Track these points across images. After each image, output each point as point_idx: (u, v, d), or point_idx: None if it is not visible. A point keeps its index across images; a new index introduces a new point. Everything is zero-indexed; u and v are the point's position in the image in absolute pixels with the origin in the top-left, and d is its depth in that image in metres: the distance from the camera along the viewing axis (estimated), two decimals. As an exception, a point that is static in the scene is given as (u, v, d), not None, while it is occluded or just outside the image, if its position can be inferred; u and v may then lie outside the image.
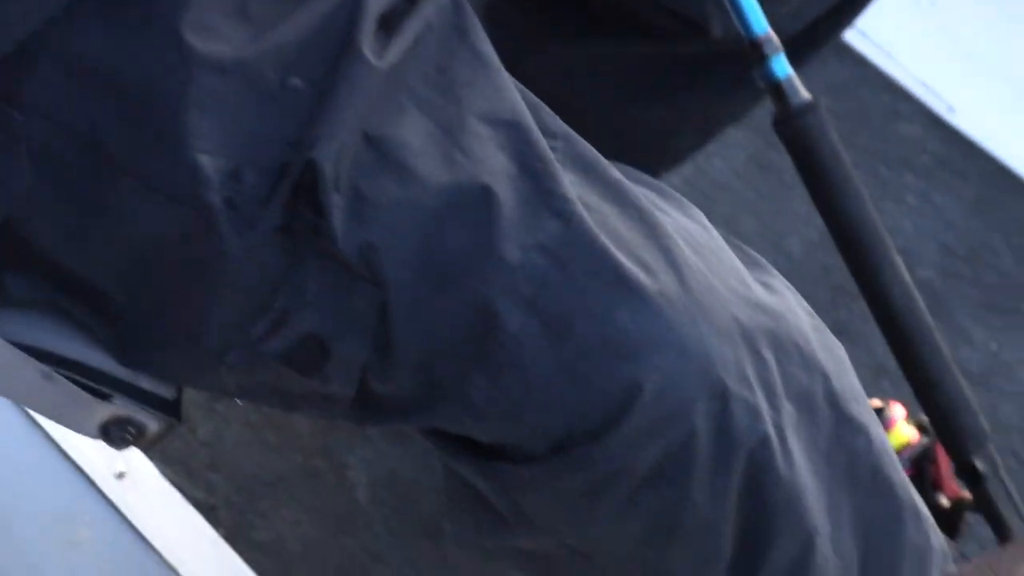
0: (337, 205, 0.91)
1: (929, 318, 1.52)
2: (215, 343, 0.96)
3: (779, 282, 1.07)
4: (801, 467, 1.03)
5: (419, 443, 1.64)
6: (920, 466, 1.58)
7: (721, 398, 0.98)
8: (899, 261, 1.50)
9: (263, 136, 0.91)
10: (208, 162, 0.90)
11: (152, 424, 1.03)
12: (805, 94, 1.29)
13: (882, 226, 1.48)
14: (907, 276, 1.50)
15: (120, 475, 1.57)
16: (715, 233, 1.06)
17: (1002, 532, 1.56)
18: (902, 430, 1.57)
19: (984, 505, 1.57)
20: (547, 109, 1.01)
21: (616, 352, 0.95)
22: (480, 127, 0.96)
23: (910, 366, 1.55)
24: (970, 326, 2.04)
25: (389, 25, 0.96)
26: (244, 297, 0.94)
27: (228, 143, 0.91)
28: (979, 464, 1.55)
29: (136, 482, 1.58)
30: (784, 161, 1.42)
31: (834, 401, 1.05)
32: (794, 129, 1.48)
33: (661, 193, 1.06)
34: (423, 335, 0.94)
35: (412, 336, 0.94)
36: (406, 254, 0.93)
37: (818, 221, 1.43)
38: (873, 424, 1.09)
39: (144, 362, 1.00)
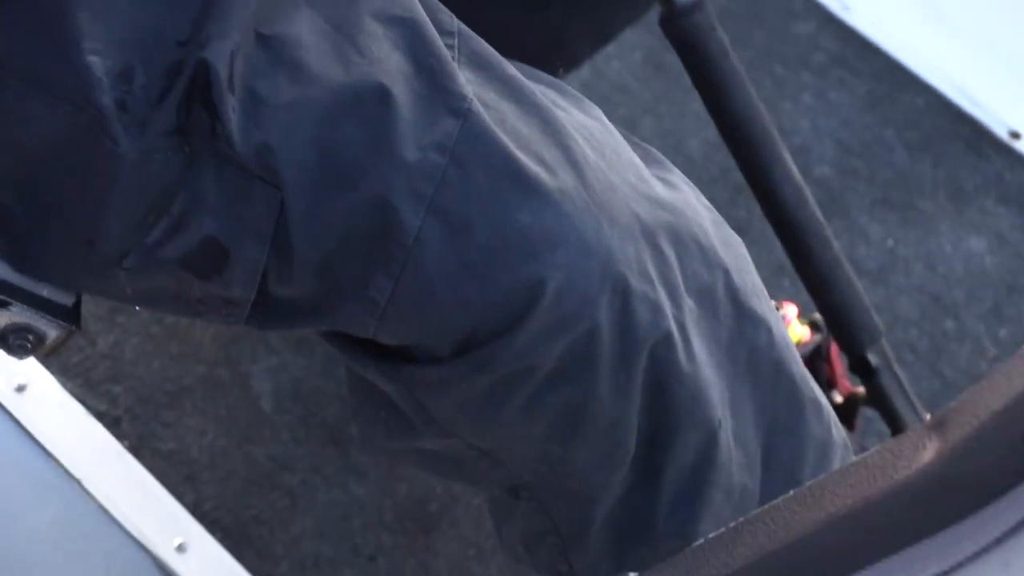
0: (231, 106, 0.90)
1: (820, 215, 1.53)
2: (111, 249, 0.94)
3: (678, 178, 1.08)
4: (703, 362, 1.04)
5: (323, 351, 1.64)
6: (813, 364, 1.61)
7: (623, 294, 0.98)
8: (789, 159, 1.51)
9: (153, 36, 0.90)
10: (97, 63, 0.88)
11: (51, 331, 1.01)
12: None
13: (771, 124, 1.49)
14: (797, 174, 1.51)
15: (20, 388, 1.55)
16: (614, 130, 1.06)
17: (896, 424, 1.59)
18: (795, 329, 1.59)
19: (878, 399, 1.59)
20: (442, 7, 1.00)
21: (517, 250, 0.95)
22: (374, 25, 0.95)
23: (803, 264, 1.56)
24: (867, 223, 2.06)
25: None
26: (140, 202, 0.92)
27: (117, 43, 0.89)
28: (872, 359, 1.58)
29: (37, 395, 1.56)
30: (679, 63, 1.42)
31: (735, 296, 1.06)
32: (680, 28, 1.48)
33: (559, 90, 1.05)
34: (322, 236, 0.94)
35: (311, 237, 0.93)
36: (303, 154, 0.92)
37: (717, 121, 1.43)
38: (774, 319, 1.10)
39: (41, 269, 0.99)
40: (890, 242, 2.05)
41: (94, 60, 0.89)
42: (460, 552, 1.54)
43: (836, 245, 1.54)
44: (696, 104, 1.43)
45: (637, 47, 2.02)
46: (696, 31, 1.43)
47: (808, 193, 1.53)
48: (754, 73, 2.09)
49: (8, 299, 1.00)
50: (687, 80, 1.42)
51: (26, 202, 0.94)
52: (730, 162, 1.41)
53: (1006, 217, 2.10)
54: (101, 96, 0.89)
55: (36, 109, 0.90)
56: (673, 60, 1.41)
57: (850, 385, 1.62)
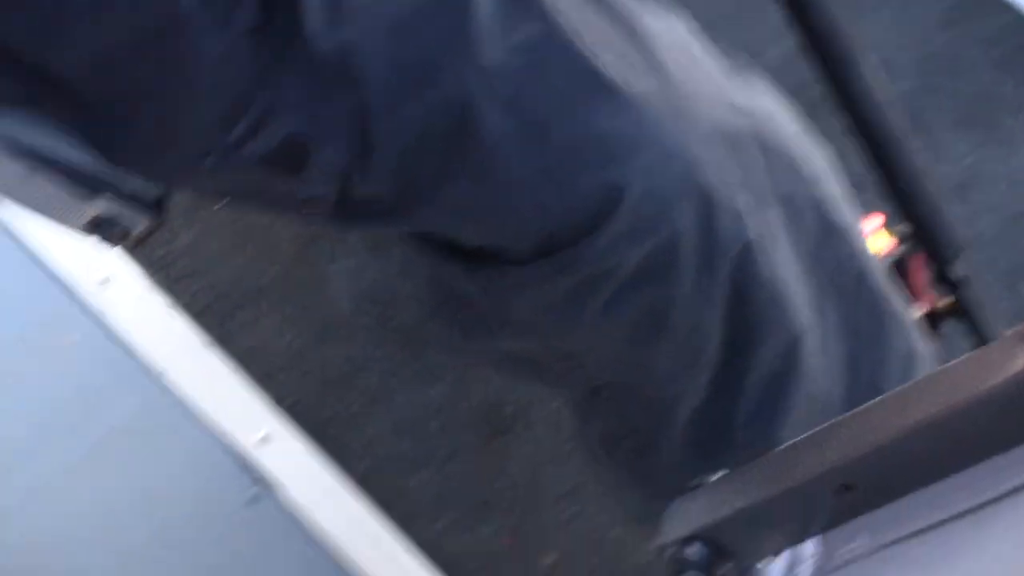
0: (313, 5, 0.90)
1: (905, 128, 1.51)
2: (194, 145, 0.95)
3: (762, 88, 1.07)
4: (787, 270, 1.03)
5: (400, 253, 1.64)
6: (897, 275, 1.59)
7: (706, 201, 0.98)
8: (874, 71, 1.50)
9: None
10: None
11: (138, 223, 1.02)
12: None
13: (856, 36, 1.47)
14: (883, 86, 1.49)
15: (104, 282, 1.57)
16: (697, 38, 1.05)
17: (980, 336, 1.57)
18: (880, 239, 1.57)
19: (963, 311, 1.58)
20: None
21: (596, 155, 0.94)
22: None
23: (888, 174, 1.55)
24: (948, 140, 2.04)
25: None
26: (221, 100, 0.93)
27: None
28: (957, 271, 1.56)
29: (119, 289, 1.58)
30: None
31: (819, 206, 1.05)
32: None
33: (643, -2, 1.04)
34: (401, 136, 0.94)
35: (391, 137, 0.94)
36: (383, 54, 0.91)
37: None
38: (858, 230, 1.09)
39: (127, 162, 1.00)
40: (971, 160, 2.03)
41: None
42: (535, 454, 1.55)
43: (922, 159, 1.53)
44: (775, 14, 1.42)
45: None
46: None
47: (893, 106, 1.51)
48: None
49: (98, 189, 1.01)
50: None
51: (115, 96, 0.95)
52: (809, 75, 1.40)
53: (1091, 136, 2.08)
54: None
55: (120, 9, 0.90)
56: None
57: (933, 298, 1.60)
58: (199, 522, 1.48)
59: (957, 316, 1.56)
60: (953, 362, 0.77)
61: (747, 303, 1.02)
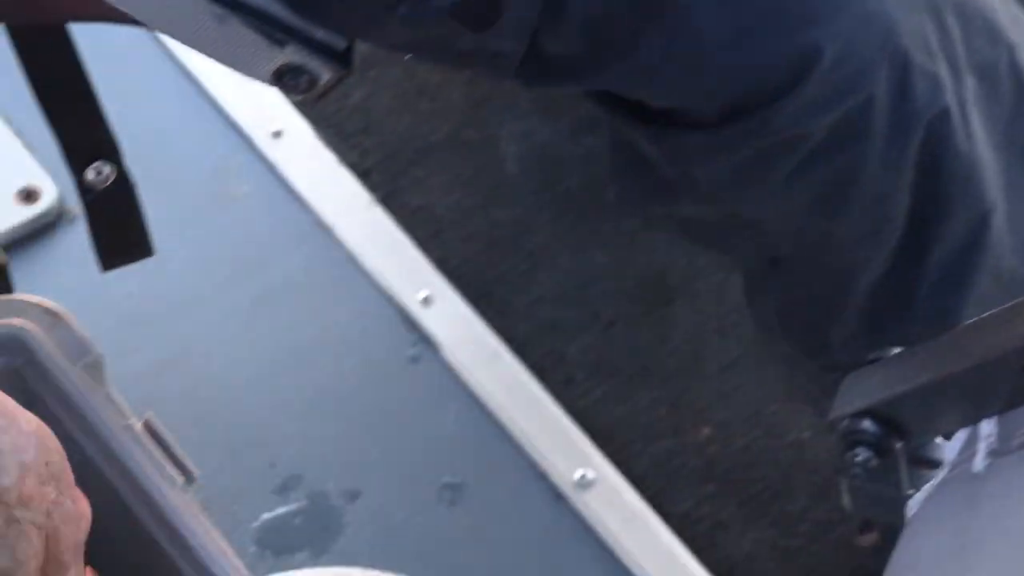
0: None
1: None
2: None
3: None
4: (980, 141, 1.01)
5: (570, 118, 1.63)
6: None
7: (902, 66, 0.96)
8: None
9: None
10: None
11: (324, 73, 1.02)
12: None
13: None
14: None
15: (277, 133, 1.58)
16: None
17: None
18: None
19: None
20: None
21: (794, 15, 0.93)
22: None
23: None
24: None
25: None
26: None
27: None
28: None
29: (292, 142, 1.59)
30: None
31: (1018, 76, 1.03)
32: None
33: None
34: None
35: None
36: None
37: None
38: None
39: (318, 11, 1.00)
40: None
41: None
42: (699, 324, 1.55)
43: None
44: None
45: None
46: None
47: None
48: None
49: (285, 38, 1.01)
50: None
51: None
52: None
53: None
54: None
55: None
56: None
57: None
58: (361, 376, 1.49)
59: None
60: None
61: (937, 174, 1.01)
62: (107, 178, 1.15)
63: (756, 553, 1.46)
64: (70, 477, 0.75)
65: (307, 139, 1.60)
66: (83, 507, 0.76)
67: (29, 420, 0.71)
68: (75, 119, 1.05)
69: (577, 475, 1.44)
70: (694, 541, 1.44)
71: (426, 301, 1.51)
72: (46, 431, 0.73)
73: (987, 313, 0.82)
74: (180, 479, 0.93)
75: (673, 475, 1.49)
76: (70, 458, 0.93)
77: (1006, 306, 0.81)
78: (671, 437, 1.52)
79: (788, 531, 1.47)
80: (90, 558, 0.99)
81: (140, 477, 0.92)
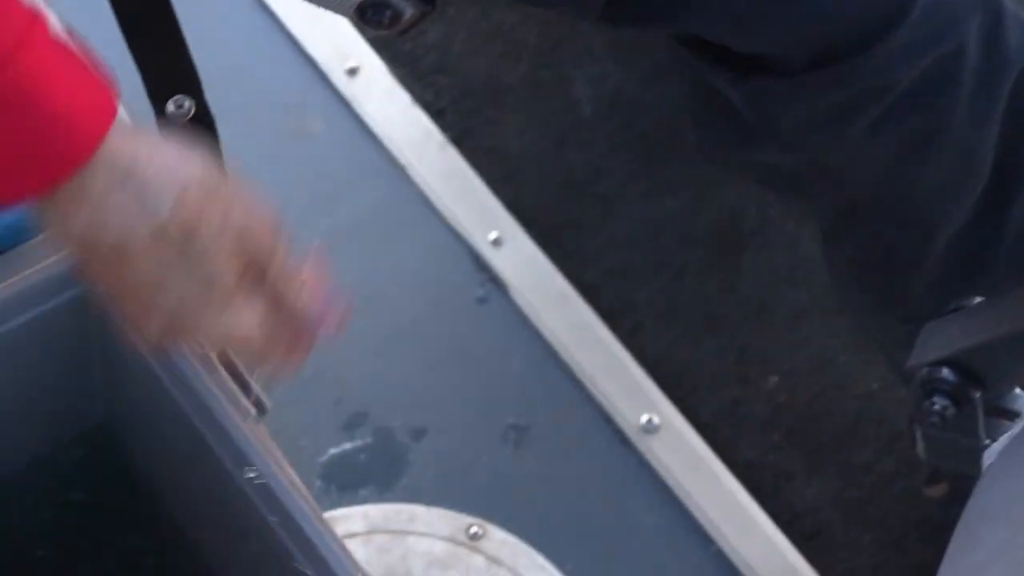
0: None
1: None
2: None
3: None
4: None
5: (645, 64, 1.63)
6: None
7: (995, 14, 0.95)
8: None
9: None
10: None
11: (408, 9, 1.02)
12: None
13: None
14: None
15: (352, 71, 1.58)
16: None
17: None
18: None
19: None
20: None
21: None
22: None
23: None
24: None
25: None
26: None
27: None
28: None
29: (368, 80, 1.59)
30: None
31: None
32: None
33: None
34: None
35: None
36: None
37: None
38: None
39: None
40: None
41: None
42: (770, 274, 1.54)
43: None
44: None
45: None
46: None
47: None
48: None
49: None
50: None
51: None
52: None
53: None
54: None
55: None
56: None
57: None
58: (429, 316, 1.50)
59: None
60: None
61: None
62: (188, 112, 1.15)
63: (820, 503, 1.45)
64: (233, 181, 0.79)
65: (382, 77, 1.60)
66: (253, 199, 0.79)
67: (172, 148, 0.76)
68: (158, 51, 1.05)
69: (643, 420, 1.44)
70: (758, 490, 1.44)
71: (496, 242, 1.51)
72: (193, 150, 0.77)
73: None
74: (253, 411, 0.94)
75: (739, 423, 1.49)
76: (146, 387, 0.95)
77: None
78: (738, 385, 1.52)
79: (853, 482, 1.46)
80: (168, 479, 1.01)
81: (214, 407, 0.93)
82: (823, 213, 1.15)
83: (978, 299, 0.90)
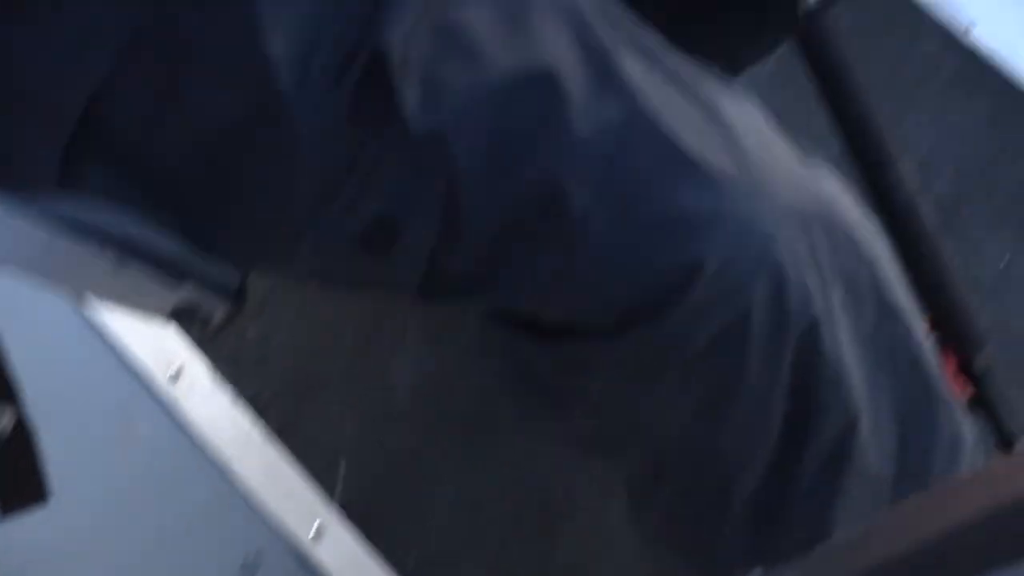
0: (406, 89, 0.94)
1: (930, 224, 1.55)
2: (289, 228, 0.98)
3: (826, 172, 1.10)
4: (847, 350, 1.06)
5: (459, 346, 1.67)
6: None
7: (778, 278, 1.00)
8: (902, 169, 1.53)
9: (331, 22, 0.93)
10: (278, 48, 0.92)
11: (219, 310, 1.06)
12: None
13: (891, 139, 1.51)
14: (911, 183, 1.53)
15: (175, 375, 1.61)
16: (768, 122, 1.09)
17: (1001, 433, 1.60)
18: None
19: (984, 404, 1.61)
20: None
21: (679, 230, 0.98)
22: (544, 14, 0.99)
23: (913, 268, 1.58)
24: (984, 240, 2.07)
25: None
26: (318, 181, 0.96)
27: (297, 29, 0.92)
28: (979, 363, 1.59)
29: (191, 381, 1.61)
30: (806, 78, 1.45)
31: (880, 289, 1.08)
32: (807, 32, 1.51)
33: (718, 82, 1.08)
34: (492, 215, 0.97)
35: (481, 216, 0.97)
36: (475, 136, 0.95)
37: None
38: (913, 315, 1.12)
39: (219, 250, 1.03)
40: (1007, 258, 2.05)
41: (276, 46, 0.92)
42: (586, 541, 1.57)
43: (946, 253, 1.56)
44: (820, 119, 1.46)
45: (767, 60, 2.05)
46: (822, 35, 1.46)
47: (920, 203, 1.55)
48: (879, 88, 2.11)
49: (183, 277, 1.04)
50: (812, 93, 1.45)
51: (208, 187, 0.98)
52: (850, 177, 1.44)
53: (1124, 240, 2.10)
54: (282, 81, 0.92)
55: (220, 96, 0.94)
56: (801, 75, 1.44)
57: (959, 388, 1.63)
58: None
59: (979, 407, 1.58)
60: (991, 462, 0.79)
61: (810, 380, 1.05)
62: (7, 424, 1.15)
63: None
64: None
65: (205, 378, 1.62)
66: None
67: None
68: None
69: None
70: None
71: (316, 535, 1.52)
72: None
73: (847, 532, 0.85)
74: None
75: None
76: None
77: (865, 525, 0.84)
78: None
79: None
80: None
81: None
82: (632, 474, 1.18)
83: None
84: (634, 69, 0.99)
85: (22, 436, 1.17)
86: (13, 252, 1.00)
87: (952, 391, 1.28)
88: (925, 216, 1.54)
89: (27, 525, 1.42)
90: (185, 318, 1.07)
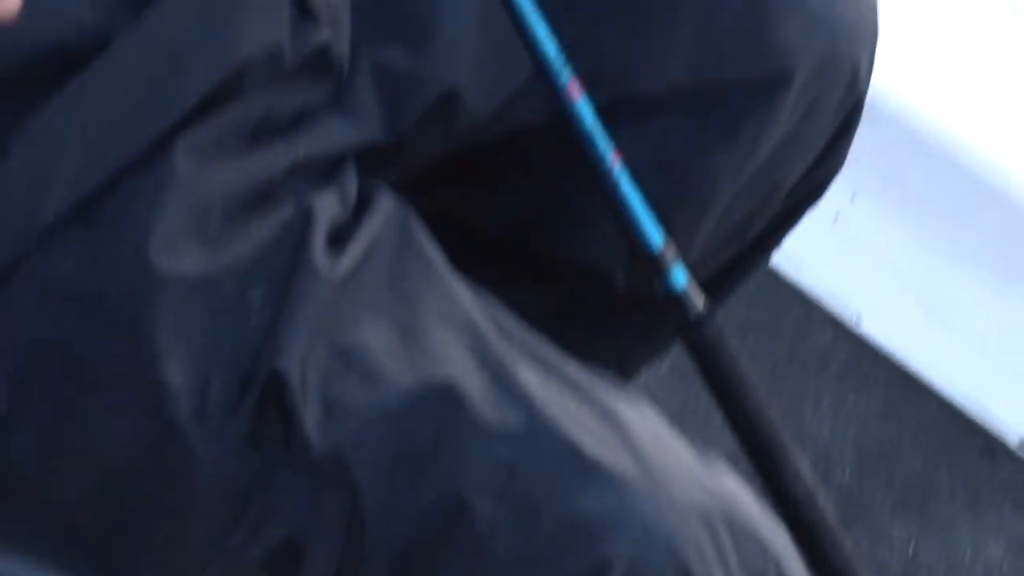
0: (304, 412, 0.95)
1: (832, 515, 1.56)
2: (191, 556, 0.97)
3: (724, 469, 1.12)
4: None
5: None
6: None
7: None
8: (801, 463, 1.55)
9: (227, 349, 0.94)
10: (175, 377, 0.92)
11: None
12: (700, 305, 1.23)
13: (780, 429, 1.52)
14: (809, 477, 1.54)
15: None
16: (664, 423, 1.10)
17: None
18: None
19: None
20: (501, 307, 1.06)
21: (583, 534, 0.98)
22: (438, 327, 1.00)
23: (819, 561, 1.58)
24: (888, 527, 2.08)
25: (340, 238, 1.00)
26: (219, 506, 0.96)
27: (194, 357, 0.93)
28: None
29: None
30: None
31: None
32: (695, 338, 1.52)
33: (613, 386, 1.10)
34: (395, 531, 0.97)
35: (385, 532, 0.97)
36: (376, 455, 0.96)
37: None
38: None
39: (122, 576, 1.01)
40: (912, 546, 2.07)
41: (172, 374, 0.93)
42: None
43: (849, 544, 1.57)
44: (719, 413, 1.49)
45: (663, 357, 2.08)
46: (710, 341, 1.46)
47: (820, 495, 1.56)
48: (775, 381, 2.14)
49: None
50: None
51: (104, 518, 0.97)
52: (748, 473, 1.45)
53: (1023, 523, 2.13)
54: (179, 409, 0.93)
55: (117, 421, 0.94)
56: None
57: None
58: None
59: None
60: None
61: None
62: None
63: None
64: None
65: None
66: None
67: None
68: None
69: None
70: None
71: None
72: None
73: None
74: None
75: None
76: None
77: None
78: None
79: None
80: None
81: None
82: None
83: None
84: (530, 378, 1.01)
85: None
86: None
87: None
88: (827, 508, 1.55)
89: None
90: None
